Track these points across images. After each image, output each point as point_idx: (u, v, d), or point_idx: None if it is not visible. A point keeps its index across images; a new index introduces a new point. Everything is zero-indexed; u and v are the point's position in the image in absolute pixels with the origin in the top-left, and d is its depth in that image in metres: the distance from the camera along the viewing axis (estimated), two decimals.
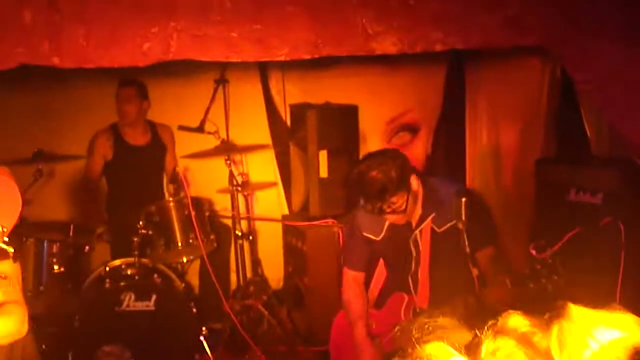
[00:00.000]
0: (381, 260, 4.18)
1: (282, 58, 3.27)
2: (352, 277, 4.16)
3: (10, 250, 2.61)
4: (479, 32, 3.45)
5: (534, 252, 4.16)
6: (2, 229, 2.58)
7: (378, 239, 3.95)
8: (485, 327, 1.20)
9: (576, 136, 5.30)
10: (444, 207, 3.67)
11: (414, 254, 3.85)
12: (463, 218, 3.36)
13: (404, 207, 3.68)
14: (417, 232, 3.81)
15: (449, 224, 3.67)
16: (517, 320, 1.20)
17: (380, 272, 4.17)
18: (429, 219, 3.79)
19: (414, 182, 3.74)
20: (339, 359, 4.31)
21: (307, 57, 3.32)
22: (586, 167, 4.83)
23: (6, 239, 2.58)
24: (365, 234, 3.98)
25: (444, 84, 6.80)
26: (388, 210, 3.68)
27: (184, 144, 6.25)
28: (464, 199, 3.36)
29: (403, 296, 3.89)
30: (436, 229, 3.76)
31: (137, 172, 6.07)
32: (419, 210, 3.82)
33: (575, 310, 1.18)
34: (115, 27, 3.21)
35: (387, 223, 3.88)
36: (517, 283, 3.17)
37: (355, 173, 3.79)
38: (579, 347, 1.13)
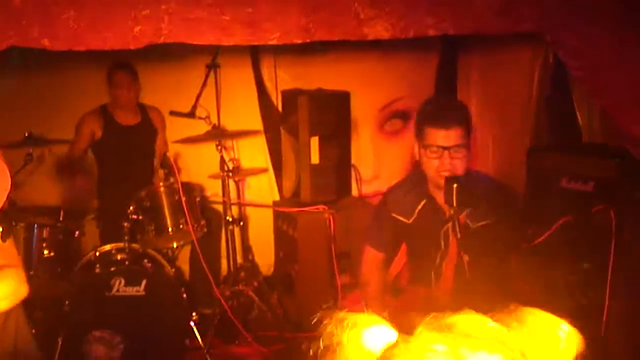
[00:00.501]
0: (403, 246, 3.99)
1: (273, 42, 3.24)
2: (372, 256, 3.99)
3: None
4: (472, 18, 3.43)
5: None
6: None
7: (408, 222, 3.77)
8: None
9: (568, 124, 5.30)
10: (481, 203, 3.55)
11: (442, 246, 3.66)
12: (454, 204, 3.34)
13: (461, 149, 3.49)
14: (449, 224, 3.56)
15: (484, 221, 3.58)
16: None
17: (400, 257, 4.00)
18: (464, 212, 3.59)
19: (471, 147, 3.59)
20: None
21: (299, 41, 3.28)
22: (578, 155, 4.81)
23: None
24: (394, 214, 3.81)
25: (436, 71, 6.79)
26: (448, 143, 3.48)
27: (175, 129, 6.23)
28: (455, 185, 3.34)
29: (422, 290, 3.73)
30: (470, 224, 3.61)
31: (128, 153, 6.05)
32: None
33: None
34: (106, 10, 3.18)
35: (420, 205, 3.71)
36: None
37: (430, 105, 3.67)
38: None
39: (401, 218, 3.78)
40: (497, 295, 3.35)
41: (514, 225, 3.55)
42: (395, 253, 4.04)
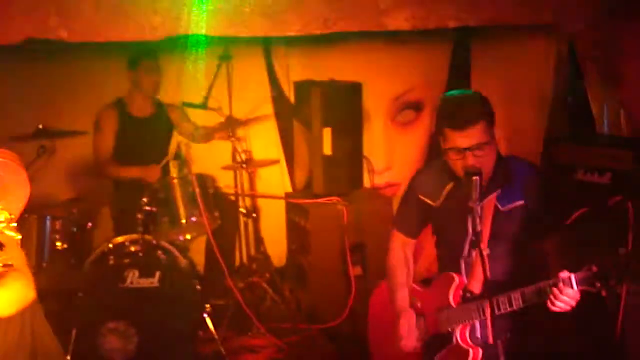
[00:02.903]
0: (432, 239, 3.87)
1: (293, 34, 3.22)
2: (401, 242, 3.89)
3: (18, 237, 2.59)
4: (492, 9, 3.41)
5: None
6: (10, 215, 2.56)
7: (435, 204, 3.67)
8: None
9: (584, 115, 5.28)
10: (512, 185, 3.47)
11: (470, 230, 3.46)
12: (473, 197, 3.30)
13: (479, 146, 3.35)
14: (477, 207, 3.38)
15: (515, 204, 3.46)
16: None
17: (431, 246, 3.88)
18: (494, 194, 3.50)
19: (495, 138, 3.44)
20: (378, 331, 4.05)
21: (318, 32, 3.27)
22: (594, 146, 4.79)
23: (14, 224, 2.56)
24: (421, 196, 3.71)
25: (450, 62, 6.76)
26: (466, 144, 3.35)
27: None
28: (475, 178, 3.30)
29: (453, 277, 3.56)
30: (500, 207, 3.49)
31: (142, 146, 6.00)
32: (485, 182, 3.47)
33: None
34: (124, 1, 3.17)
35: (448, 187, 3.61)
36: (585, 282, 2.96)
37: (445, 99, 3.56)
38: None
39: (428, 200, 3.69)
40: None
41: (547, 207, 3.45)
42: (422, 242, 3.98)
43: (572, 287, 2.98)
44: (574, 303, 3.04)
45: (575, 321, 4.26)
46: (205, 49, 5.71)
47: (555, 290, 3.03)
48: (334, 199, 5.84)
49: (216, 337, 5.28)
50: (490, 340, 3.12)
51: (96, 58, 5.78)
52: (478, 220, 3.35)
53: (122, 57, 5.84)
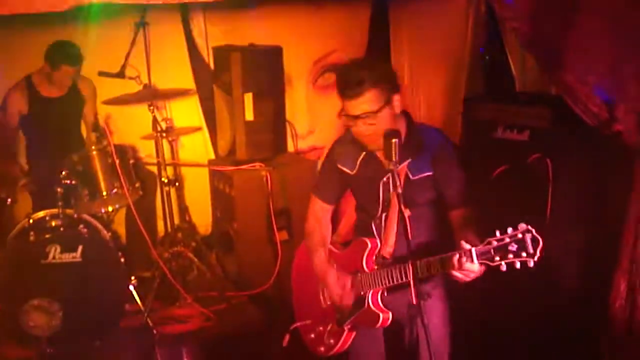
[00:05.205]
0: (352, 205, 3.96)
1: None
2: (319, 207, 3.94)
3: None
4: None
5: None
6: None
7: (352, 173, 3.72)
8: None
9: (502, 74, 5.33)
10: (423, 155, 3.51)
11: (381, 197, 3.61)
12: (394, 159, 3.31)
13: (374, 113, 3.38)
14: (389, 175, 3.48)
15: (425, 174, 3.51)
16: None
17: (351, 213, 3.97)
18: (405, 163, 3.53)
19: (397, 103, 3.45)
20: (301, 293, 4.16)
21: None
22: (513, 104, 4.84)
23: None
24: (339, 165, 3.76)
25: (369, 23, 6.75)
26: (356, 112, 3.40)
27: (105, 90, 6.07)
28: (394, 140, 3.31)
29: (366, 243, 3.64)
30: (410, 176, 3.53)
31: (55, 124, 5.90)
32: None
33: None
34: None
35: (362, 155, 3.65)
36: (484, 256, 3.03)
37: (343, 66, 3.60)
38: None
39: (345, 169, 3.75)
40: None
41: (454, 177, 3.52)
42: (343, 208, 4.04)
43: (472, 260, 3.04)
44: (473, 275, 3.09)
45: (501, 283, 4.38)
46: (120, 16, 5.59)
47: (455, 261, 3.09)
48: (258, 164, 5.81)
49: (143, 309, 5.25)
50: (414, 301, 3.15)
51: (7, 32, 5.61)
52: (392, 185, 3.44)
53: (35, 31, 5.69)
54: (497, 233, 2.97)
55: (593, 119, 3.65)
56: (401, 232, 3.44)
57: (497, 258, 2.96)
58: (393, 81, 3.47)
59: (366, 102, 3.38)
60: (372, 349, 3.82)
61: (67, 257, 5.01)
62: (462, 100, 5.35)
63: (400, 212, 3.37)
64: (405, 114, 3.60)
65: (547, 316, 4.35)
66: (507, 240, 2.95)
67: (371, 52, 6.68)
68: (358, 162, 3.69)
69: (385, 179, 3.58)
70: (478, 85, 5.72)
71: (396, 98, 3.45)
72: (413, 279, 3.15)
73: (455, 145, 4.06)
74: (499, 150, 4.78)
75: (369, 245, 3.64)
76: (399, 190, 3.26)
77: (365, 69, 3.40)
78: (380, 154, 3.53)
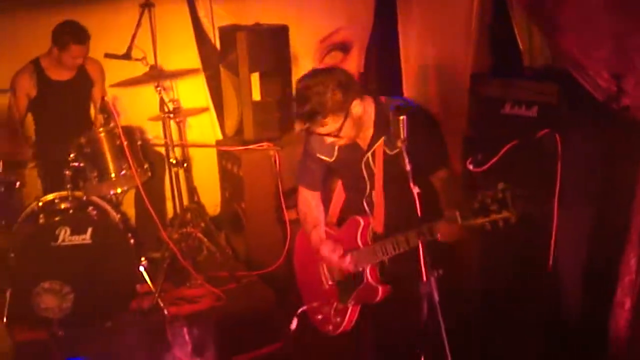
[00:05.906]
0: (340, 182, 4.12)
1: None
2: (307, 194, 4.09)
3: None
4: None
5: (471, 166, 4.19)
6: None
7: (331, 160, 3.87)
8: None
9: (510, 49, 5.28)
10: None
11: (366, 176, 3.77)
12: (402, 136, 3.31)
13: (337, 131, 3.57)
14: (369, 154, 3.71)
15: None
16: None
17: (339, 193, 4.12)
18: (380, 141, 3.67)
19: (357, 107, 3.58)
20: (304, 276, 4.29)
21: None
22: (521, 80, 4.80)
23: None
24: (318, 155, 3.90)
25: (375, 1, 6.70)
26: (318, 131, 3.60)
27: (112, 72, 6.08)
28: (402, 117, 3.30)
29: (359, 221, 3.81)
30: (388, 151, 3.65)
31: (63, 107, 5.94)
32: (369, 132, 3.71)
33: None
34: None
35: (337, 144, 3.76)
36: (467, 218, 3.13)
37: (296, 89, 3.70)
38: None
39: (324, 157, 3.89)
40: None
41: (431, 147, 3.62)
42: (331, 191, 4.17)
43: (458, 222, 3.18)
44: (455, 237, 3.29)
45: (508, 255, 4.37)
46: None
47: (442, 226, 3.26)
48: (265, 144, 5.80)
49: (153, 290, 5.27)
50: (424, 278, 3.17)
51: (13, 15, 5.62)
52: (372, 164, 3.72)
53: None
54: (479, 196, 3.08)
55: (602, 94, 3.64)
56: (389, 207, 3.71)
57: (481, 218, 3.08)
58: (347, 94, 3.56)
59: (326, 125, 3.56)
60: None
61: (77, 239, 5.03)
62: (469, 75, 5.31)
63: (388, 187, 3.66)
64: (371, 95, 3.75)
65: (557, 291, 4.34)
66: (489, 200, 3.05)
67: (378, 28, 6.63)
68: (336, 149, 3.82)
69: (365, 159, 3.75)
70: (486, 60, 5.67)
71: (354, 104, 3.57)
72: (424, 257, 3.17)
73: (428, 112, 4.12)
74: (508, 126, 4.75)
75: (362, 223, 3.81)
76: (408, 168, 3.26)
77: (315, 101, 3.51)
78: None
